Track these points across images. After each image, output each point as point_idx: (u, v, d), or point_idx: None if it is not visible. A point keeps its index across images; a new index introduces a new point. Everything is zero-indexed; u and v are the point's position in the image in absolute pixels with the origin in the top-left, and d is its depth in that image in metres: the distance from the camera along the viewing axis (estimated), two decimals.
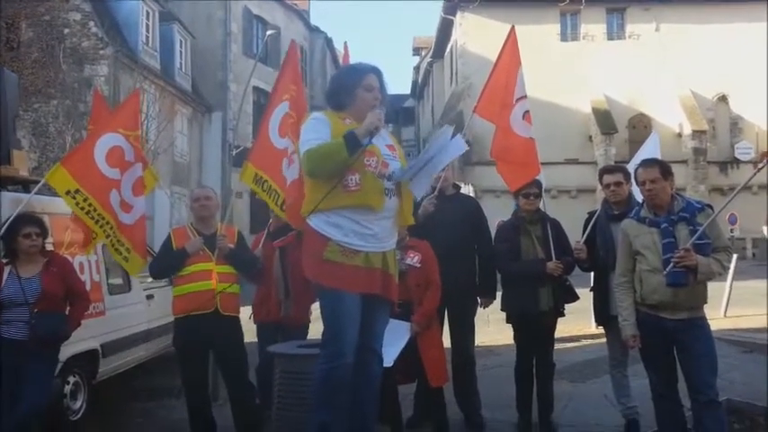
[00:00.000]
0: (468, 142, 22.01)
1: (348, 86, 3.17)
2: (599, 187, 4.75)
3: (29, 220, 3.98)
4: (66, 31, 17.15)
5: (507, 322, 4.58)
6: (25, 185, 5.20)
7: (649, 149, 5.02)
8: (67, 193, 4.28)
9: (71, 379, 4.87)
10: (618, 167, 4.42)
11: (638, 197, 3.90)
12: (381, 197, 2.99)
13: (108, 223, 4.39)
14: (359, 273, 2.95)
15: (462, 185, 5.88)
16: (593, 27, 25.41)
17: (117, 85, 17.38)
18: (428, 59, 34.01)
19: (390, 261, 3.11)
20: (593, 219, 4.35)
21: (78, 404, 4.97)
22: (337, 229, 2.96)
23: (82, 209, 4.31)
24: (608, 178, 4.22)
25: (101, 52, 17.29)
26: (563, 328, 6.00)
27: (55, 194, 5.38)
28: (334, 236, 2.96)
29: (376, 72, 3.19)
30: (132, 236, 4.56)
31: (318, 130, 3.02)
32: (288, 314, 4.63)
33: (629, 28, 25.48)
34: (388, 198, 3.03)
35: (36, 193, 4.60)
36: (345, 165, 2.90)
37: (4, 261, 3.92)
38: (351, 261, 2.94)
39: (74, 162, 4.41)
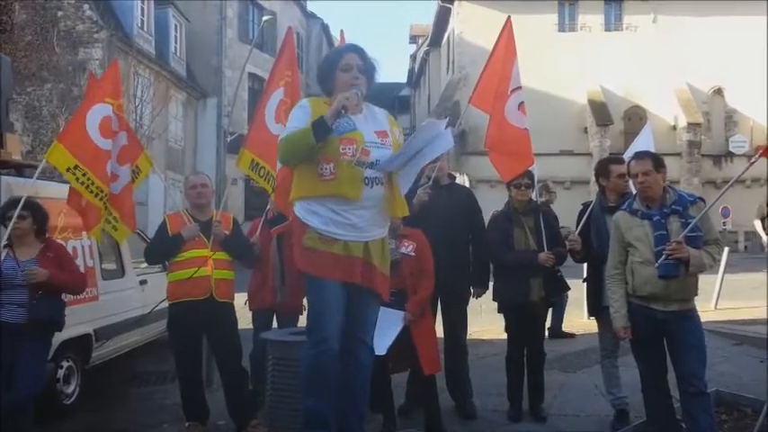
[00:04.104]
0: (463, 132, 22.12)
1: (328, 70, 3.10)
2: (593, 179, 4.77)
3: (14, 203, 3.97)
4: (60, 13, 16.96)
5: (499, 312, 4.61)
6: (18, 169, 5.17)
7: (643, 141, 5.04)
8: (68, 170, 4.27)
9: (64, 363, 4.88)
10: (617, 159, 4.44)
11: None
12: (358, 186, 2.90)
13: (104, 193, 4.38)
14: (337, 260, 2.91)
15: (457, 175, 5.88)
16: (591, 18, 25.39)
17: None
18: (425, 48, 33.92)
19: (375, 251, 3.01)
20: (588, 210, 4.37)
21: (71, 388, 4.98)
22: (316, 217, 2.93)
23: (82, 183, 4.29)
24: (616, 168, 4.23)
25: (95, 36, 17.14)
26: None
27: (48, 178, 5.36)
28: (312, 223, 2.93)
29: (356, 50, 3.09)
30: (120, 205, 4.55)
31: (299, 117, 2.97)
32: (283, 301, 4.65)
33: (626, 19, 25.47)
34: (369, 187, 2.92)
35: (32, 176, 4.58)
36: (313, 150, 2.85)
37: (2, 244, 3.92)
38: (329, 248, 2.91)
39: (69, 137, 4.38)
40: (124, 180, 4.57)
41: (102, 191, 4.36)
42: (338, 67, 3.05)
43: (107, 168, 4.41)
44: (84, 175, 4.29)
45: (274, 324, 4.86)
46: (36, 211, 4.00)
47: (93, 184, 4.31)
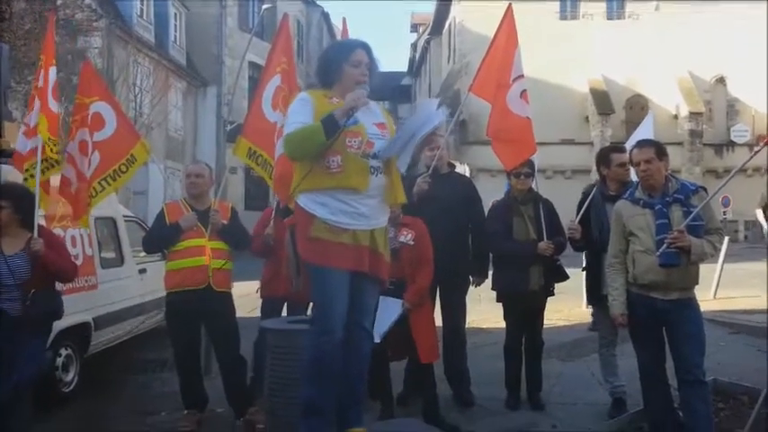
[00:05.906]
0: (463, 121, 22.05)
1: (334, 63, 3.10)
2: (594, 168, 4.75)
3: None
4: (60, 2, 16.86)
5: (498, 301, 4.60)
6: None
7: (644, 130, 5.01)
8: (48, 139, 4.17)
9: (63, 352, 4.89)
10: (618, 147, 4.42)
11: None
12: (365, 177, 2.95)
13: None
14: (346, 250, 2.93)
15: (458, 164, 5.86)
16: (593, 6, 25.22)
17: (110, 57, 17.18)
18: (426, 36, 33.72)
19: (379, 239, 3.07)
20: (588, 198, 4.35)
21: (70, 376, 4.99)
22: (324, 208, 2.93)
23: (57, 153, 4.21)
24: (617, 157, 4.21)
25: (94, 24, 17.00)
26: (552, 307, 6.05)
27: None
28: (320, 213, 2.93)
29: (364, 47, 3.12)
30: None
31: (301, 111, 2.98)
32: (298, 290, 4.62)
33: (628, 7, 25.30)
34: (374, 176, 2.99)
35: None
36: (324, 147, 2.87)
37: None
38: (337, 238, 2.92)
39: (44, 107, 4.30)
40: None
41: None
42: (347, 62, 3.07)
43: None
44: (56, 144, 4.21)
45: (284, 313, 4.84)
46: (19, 200, 3.70)
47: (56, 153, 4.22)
